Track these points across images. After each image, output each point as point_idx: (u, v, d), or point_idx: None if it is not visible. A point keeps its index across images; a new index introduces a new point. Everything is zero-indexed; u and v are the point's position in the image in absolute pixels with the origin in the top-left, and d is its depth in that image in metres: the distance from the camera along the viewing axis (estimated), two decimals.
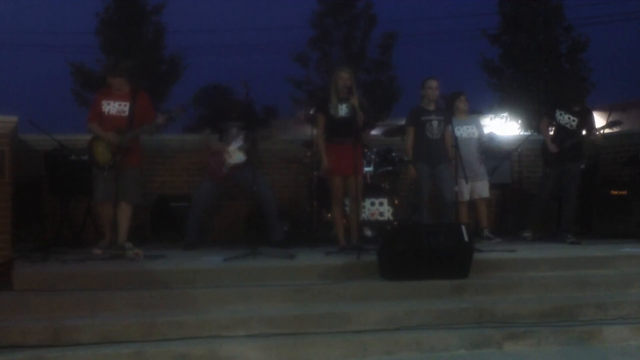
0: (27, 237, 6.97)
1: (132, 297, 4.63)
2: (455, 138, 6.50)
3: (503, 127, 19.86)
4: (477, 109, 18.52)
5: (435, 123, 6.71)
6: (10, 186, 5.20)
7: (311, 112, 6.79)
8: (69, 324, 4.25)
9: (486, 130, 7.92)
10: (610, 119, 7.12)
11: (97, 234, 6.86)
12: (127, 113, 5.98)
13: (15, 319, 4.33)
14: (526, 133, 16.15)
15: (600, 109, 15.51)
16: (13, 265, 4.95)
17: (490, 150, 7.58)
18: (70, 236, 6.94)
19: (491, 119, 20.43)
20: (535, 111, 19.39)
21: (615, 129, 7.12)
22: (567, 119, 7.15)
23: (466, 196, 7.15)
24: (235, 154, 6.54)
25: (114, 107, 6.01)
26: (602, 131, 7.05)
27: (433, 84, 6.73)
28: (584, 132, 7.13)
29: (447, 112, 6.89)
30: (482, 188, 7.31)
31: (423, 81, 6.80)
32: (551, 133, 7.31)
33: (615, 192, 7.72)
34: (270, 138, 7.01)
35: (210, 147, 6.67)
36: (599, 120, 7.79)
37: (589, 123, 7.17)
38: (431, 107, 6.76)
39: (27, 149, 7.41)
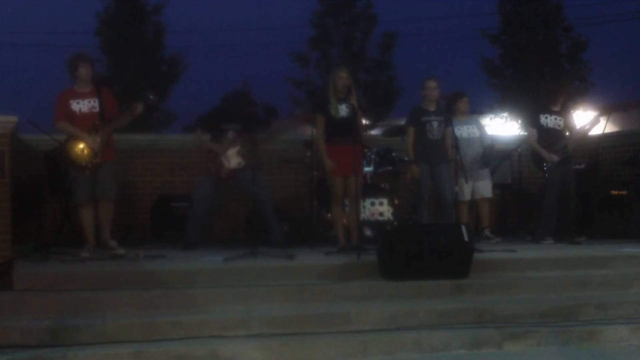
0: (27, 237, 6.96)
1: (132, 297, 4.63)
2: (455, 138, 6.50)
3: (503, 127, 19.82)
4: (477, 109, 18.42)
5: (435, 124, 6.71)
6: (10, 186, 5.20)
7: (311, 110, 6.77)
8: (69, 324, 4.25)
9: (488, 131, 7.89)
10: (596, 115, 7.18)
11: (78, 237, 6.61)
12: (98, 109, 5.93)
13: (15, 319, 4.33)
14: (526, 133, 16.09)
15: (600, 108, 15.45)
16: (13, 265, 4.94)
17: (492, 154, 7.54)
18: (70, 236, 6.93)
19: (491, 119, 20.39)
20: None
21: (602, 120, 7.15)
22: (553, 120, 7.14)
23: (467, 196, 7.16)
24: (233, 159, 6.53)
25: (84, 105, 5.93)
26: (589, 127, 7.12)
27: (432, 84, 6.75)
28: (567, 133, 7.15)
29: (448, 112, 6.90)
30: (485, 188, 7.33)
31: (423, 82, 6.82)
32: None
33: (615, 192, 7.71)
34: (270, 140, 7.03)
35: (207, 147, 6.70)
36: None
37: (570, 121, 7.22)
38: (431, 108, 6.76)
39: (27, 149, 7.40)
